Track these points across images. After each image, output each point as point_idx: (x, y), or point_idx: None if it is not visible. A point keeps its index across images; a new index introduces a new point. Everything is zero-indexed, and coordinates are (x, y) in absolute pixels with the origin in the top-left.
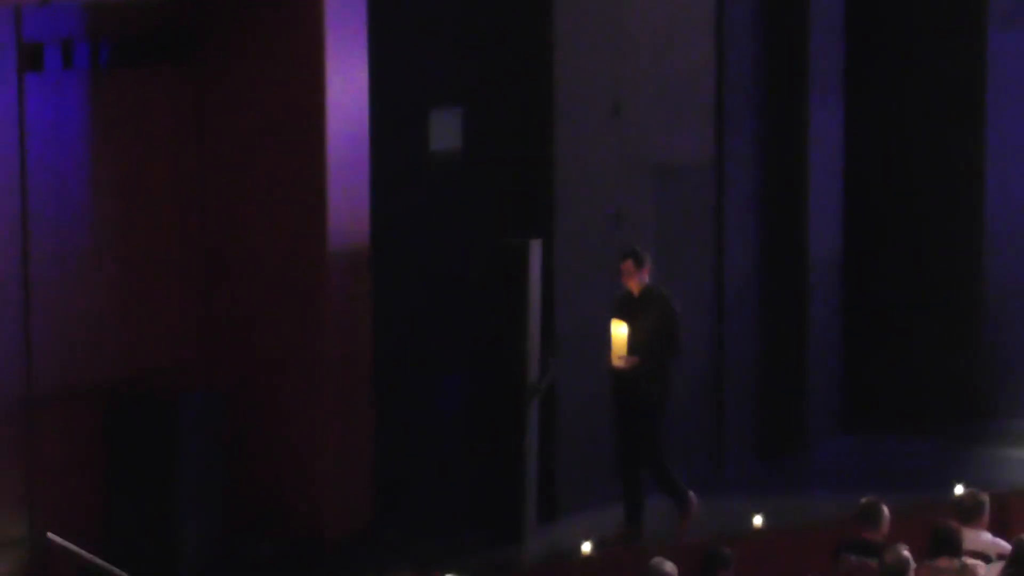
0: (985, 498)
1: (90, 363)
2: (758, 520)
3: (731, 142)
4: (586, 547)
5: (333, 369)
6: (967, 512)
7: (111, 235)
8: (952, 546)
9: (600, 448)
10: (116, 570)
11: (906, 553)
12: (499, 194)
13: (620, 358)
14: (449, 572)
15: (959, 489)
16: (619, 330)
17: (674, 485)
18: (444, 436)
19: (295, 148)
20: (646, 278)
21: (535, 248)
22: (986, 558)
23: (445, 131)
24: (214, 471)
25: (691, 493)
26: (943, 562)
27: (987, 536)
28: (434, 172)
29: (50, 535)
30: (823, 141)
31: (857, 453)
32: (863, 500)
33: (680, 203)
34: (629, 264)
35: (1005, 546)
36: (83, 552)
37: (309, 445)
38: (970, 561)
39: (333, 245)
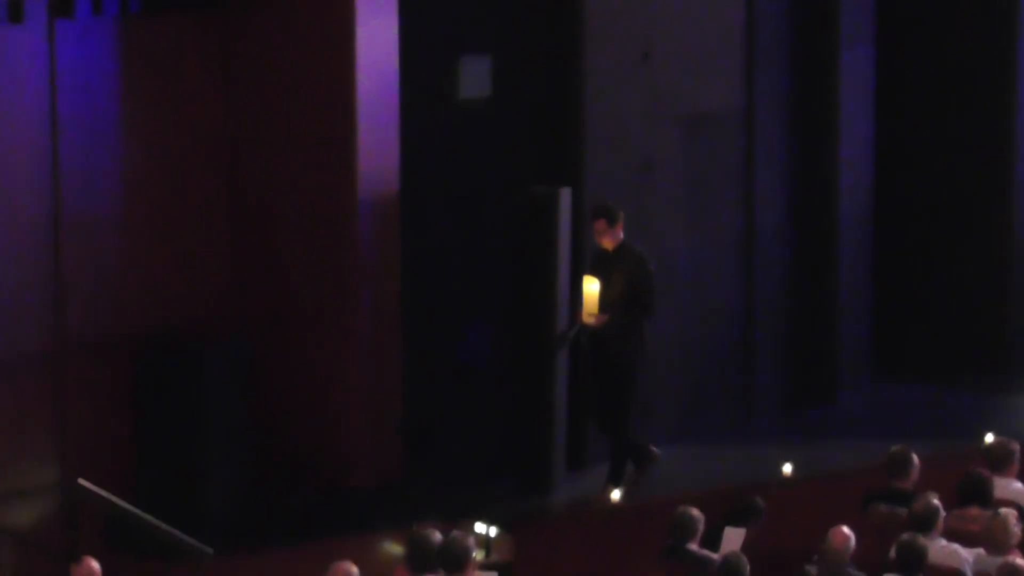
0: (1016, 447)
1: (119, 313)
2: (787, 469)
3: (761, 90)
4: (615, 495)
5: (362, 317)
6: (997, 461)
7: (140, 183)
8: (983, 495)
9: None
10: (145, 515)
11: (936, 502)
12: (528, 142)
13: (590, 315)
14: (478, 521)
15: (989, 438)
16: (591, 287)
17: (639, 451)
18: (473, 385)
19: (324, 94)
20: (620, 234)
21: (564, 196)
22: (1017, 507)
23: (474, 78)
24: (243, 420)
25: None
26: (973, 511)
27: (1017, 485)
28: (463, 119)
29: (80, 481)
30: (854, 88)
31: (887, 402)
32: (892, 449)
33: (709, 151)
34: (601, 223)
35: None
36: (113, 498)
37: (338, 394)
38: (1002, 510)
39: (363, 192)
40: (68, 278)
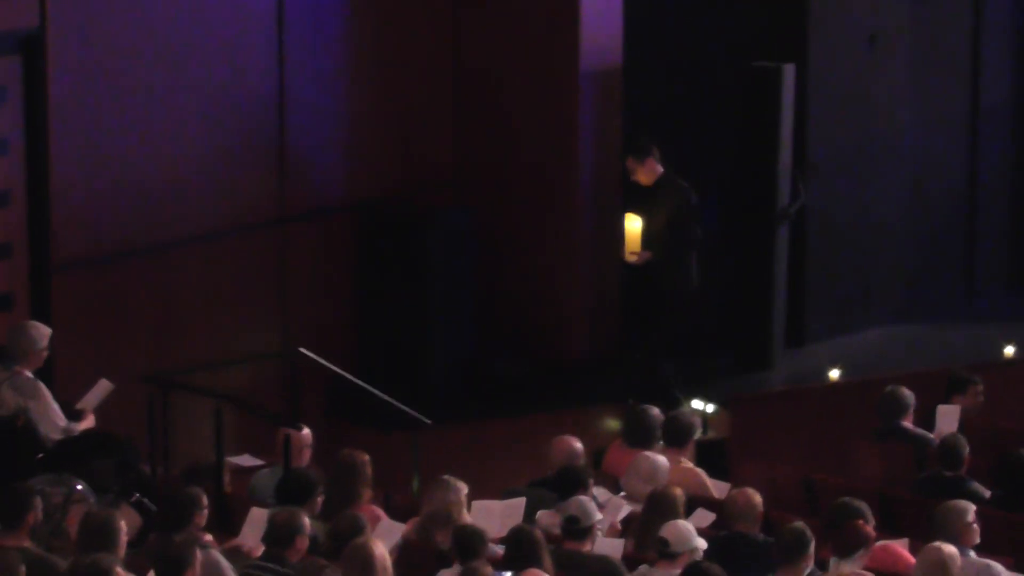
0: None
1: (344, 180)
2: (1009, 350)
3: None
4: (834, 374)
5: (585, 188)
6: None
7: (366, 55)
8: None
9: (850, 276)
10: (364, 384)
11: None
12: (753, 15)
13: (632, 253)
14: (695, 397)
15: None
16: (632, 224)
17: (667, 391)
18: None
19: None
20: (658, 168)
21: (788, 72)
22: None
23: None
24: (465, 288)
25: None
26: None
27: None
28: None
29: (302, 350)
30: None
31: None
32: None
33: (936, 26)
34: (630, 161)
35: None
36: (333, 367)
37: (560, 265)
38: None
39: (585, 65)
40: (293, 146)
